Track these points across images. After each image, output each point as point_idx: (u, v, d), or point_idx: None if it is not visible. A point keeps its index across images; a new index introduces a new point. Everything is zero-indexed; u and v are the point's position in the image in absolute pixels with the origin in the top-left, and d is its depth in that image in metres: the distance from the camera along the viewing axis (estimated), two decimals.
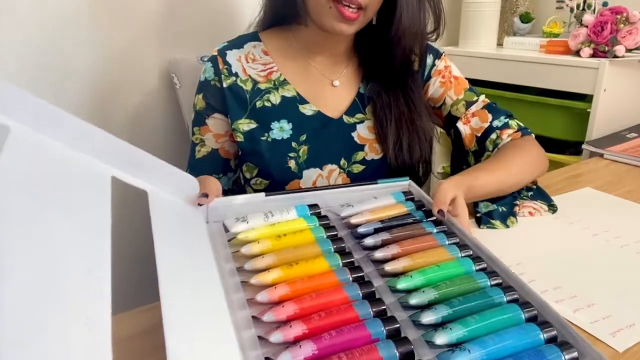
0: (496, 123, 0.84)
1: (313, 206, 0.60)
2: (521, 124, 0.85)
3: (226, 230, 0.54)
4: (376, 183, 0.67)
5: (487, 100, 0.87)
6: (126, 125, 1.06)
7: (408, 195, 0.66)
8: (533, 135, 0.85)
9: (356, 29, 0.74)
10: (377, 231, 0.56)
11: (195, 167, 0.85)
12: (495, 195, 0.76)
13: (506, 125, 0.83)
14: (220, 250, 0.51)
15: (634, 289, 0.58)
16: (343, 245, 0.54)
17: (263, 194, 0.60)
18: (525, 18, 1.59)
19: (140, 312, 0.56)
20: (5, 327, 0.26)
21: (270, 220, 0.56)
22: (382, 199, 0.64)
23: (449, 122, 0.88)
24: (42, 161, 0.38)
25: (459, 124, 0.85)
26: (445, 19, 0.80)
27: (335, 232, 0.56)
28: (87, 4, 0.95)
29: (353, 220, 0.59)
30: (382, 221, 0.58)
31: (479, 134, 0.84)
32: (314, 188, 0.63)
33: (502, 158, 0.78)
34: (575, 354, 0.40)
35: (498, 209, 0.75)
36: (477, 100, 0.86)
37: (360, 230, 0.57)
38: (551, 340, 0.42)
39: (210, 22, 1.13)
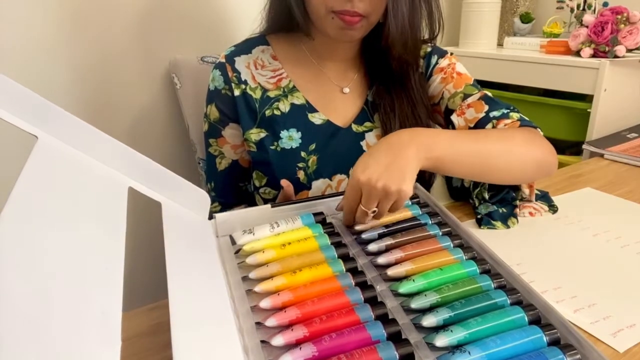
0: (494, 113, 0.75)
1: (318, 214, 0.60)
2: (526, 118, 0.76)
3: (233, 242, 0.55)
4: None
5: (488, 93, 0.79)
6: (127, 126, 1.07)
7: (414, 199, 0.66)
8: (539, 130, 0.74)
9: (362, 34, 0.74)
10: (381, 237, 0.57)
11: (220, 180, 0.85)
12: (471, 175, 0.67)
13: (505, 116, 0.75)
14: (228, 262, 0.53)
15: (635, 290, 0.58)
16: (347, 251, 0.54)
17: (269, 205, 0.60)
18: (526, 18, 1.59)
19: (142, 312, 0.56)
20: (20, 315, 0.28)
21: (276, 230, 0.56)
22: None
23: (447, 117, 0.82)
24: (66, 169, 0.40)
25: (453, 117, 0.79)
26: (444, 22, 0.79)
27: (340, 239, 0.56)
28: (86, 4, 0.95)
29: (357, 227, 0.59)
30: (386, 226, 0.58)
31: (472, 125, 0.77)
32: (320, 197, 0.63)
33: (496, 131, 0.69)
34: (578, 357, 0.40)
35: (498, 209, 0.75)
36: (476, 93, 0.79)
37: (364, 236, 0.57)
38: (554, 343, 0.41)
39: (211, 22, 1.13)
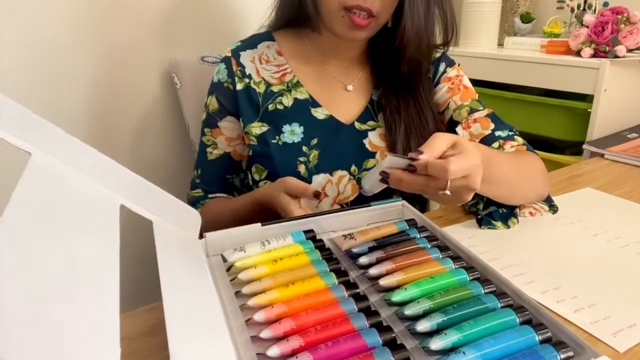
0: (499, 133, 0.79)
1: (309, 231, 0.61)
2: (526, 142, 0.80)
3: (224, 260, 0.56)
4: (369, 205, 0.67)
5: (494, 112, 0.83)
6: (127, 125, 1.07)
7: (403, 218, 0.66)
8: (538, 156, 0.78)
9: (370, 35, 0.74)
10: (371, 250, 0.57)
11: (208, 169, 0.86)
12: (495, 196, 0.68)
13: (511, 138, 0.79)
14: (220, 279, 0.53)
15: (635, 290, 0.58)
16: (338, 265, 0.54)
17: (259, 224, 0.61)
18: (526, 18, 1.59)
19: (140, 312, 0.56)
20: (19, 322, 0.28)
21: (267, 247, 0.57)
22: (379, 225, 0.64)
23: (450, 128, 0.84)
24: (58, 186, 0.41)
25: (458, 129, 0.82)
26: (457, 28, 0.79)
27: (331, 254, 0.56)
28: (87, 5, 0.95)
29: (346, 245, 0.59)
30: (376, 240, 0.59)
31: (477, 140, 0.79)
32: (309, 215, 0.64)
33: (521, 157, 0.71)
34: (570, 353, 0.40)
35: (499, 210, 0.75)
36: (482, 110, 0.82)
37: (355, 250, 0.57)
38: (546, 342, 0.42)
39: (211, 22, 1.13)
